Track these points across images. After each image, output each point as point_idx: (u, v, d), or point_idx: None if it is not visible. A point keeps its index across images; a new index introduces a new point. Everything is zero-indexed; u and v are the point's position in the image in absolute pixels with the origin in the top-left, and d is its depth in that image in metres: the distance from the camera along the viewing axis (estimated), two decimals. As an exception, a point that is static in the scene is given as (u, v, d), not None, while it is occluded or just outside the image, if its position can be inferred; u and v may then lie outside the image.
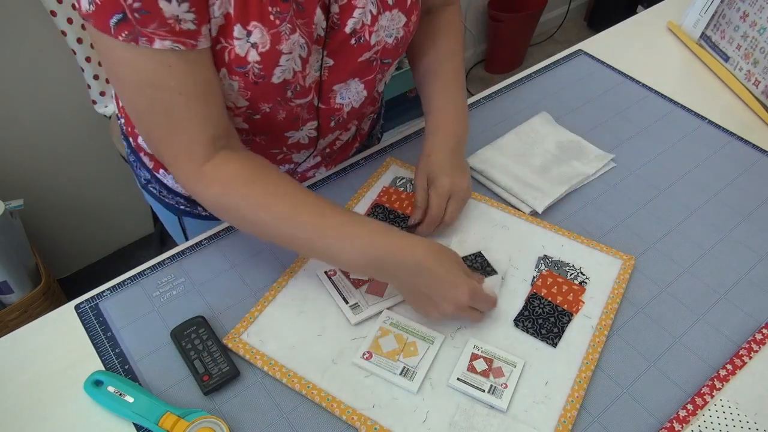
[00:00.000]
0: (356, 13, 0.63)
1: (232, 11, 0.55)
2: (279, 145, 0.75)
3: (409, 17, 0.68)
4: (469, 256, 0.73)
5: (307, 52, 0.62)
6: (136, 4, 0.49)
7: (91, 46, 1.20)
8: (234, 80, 0.60)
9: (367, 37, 0.65)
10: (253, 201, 0.60)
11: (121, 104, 0.80)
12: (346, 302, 0.68)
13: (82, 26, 1.17)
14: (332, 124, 0.74)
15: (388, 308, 0.68)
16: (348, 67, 0.67)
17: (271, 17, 0.57)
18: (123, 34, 0.50)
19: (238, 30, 0.56)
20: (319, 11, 0.60)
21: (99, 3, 0.50)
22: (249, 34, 0.57)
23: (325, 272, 0.71)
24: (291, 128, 0.71)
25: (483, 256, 0.73)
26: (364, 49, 0.66)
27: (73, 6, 1.13)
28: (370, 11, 0.64)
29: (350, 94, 0.71)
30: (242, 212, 0.61)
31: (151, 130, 0.59)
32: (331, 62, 0.66)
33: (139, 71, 0.53)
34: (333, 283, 0.70)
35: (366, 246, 0.60)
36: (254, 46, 0.57)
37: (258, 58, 0.58)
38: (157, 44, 0.51)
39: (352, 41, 0.65)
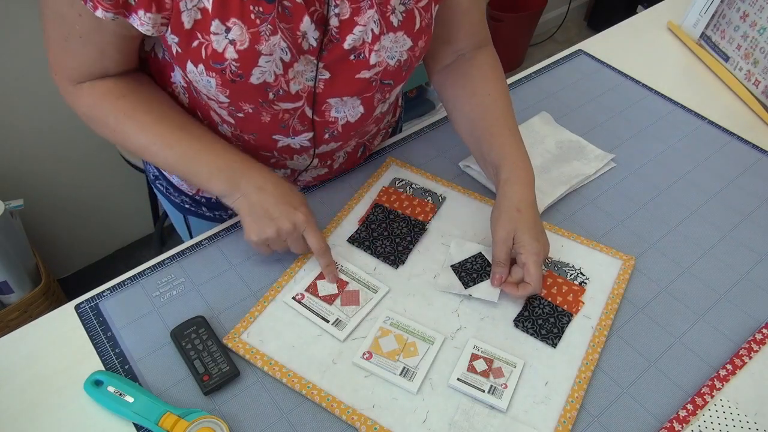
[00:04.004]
0: (357, 30, 0.62)
1: (209, 6, 0.55)
2: (269, 148, 0.74)
3: (416, 42, 0.67)
4: (469, 258, 0.73)
5: (291, 58, 0.61)
6: None
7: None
8: (211, 77, 0.60)
9: (367, 55, 0.64)
10: (120, 112, 0.66)
11: None
12: (327, 321, 0.67)
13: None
14: (326, 136, 0.74)
15: (369, 311, 0.68)
16: (345, 83, 0.66)
17: (252, 16, 0.57)
18: None
19: (216, 25, 0.56)
20: (307, 20, 0.59)
21: None
22: (228, 30, 0.57)
23: (293, 298, 0.69)
24: (279, 132, 0.71)
25: (483, 257, 0.73)
26: (362, 66, 0.65)
27: None
28: (372, 30, 0.63)
29: (346, 109, 0.70)
30: (110, 123, 0.66)
31: (50, 43, 0.63)
32: (327, 75, 0.65)
33: (62, 5, 0.58)
34: (305, 306, 0.68)
35: (221, 157, 0.67)
36: (232, 42, 0.57)
37: (236, 56, 0.58)
38: (99, 13, 0.55)
39: (351, 57, 0.64)
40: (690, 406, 0.61)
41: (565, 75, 1.04)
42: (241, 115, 0.67)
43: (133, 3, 0.55)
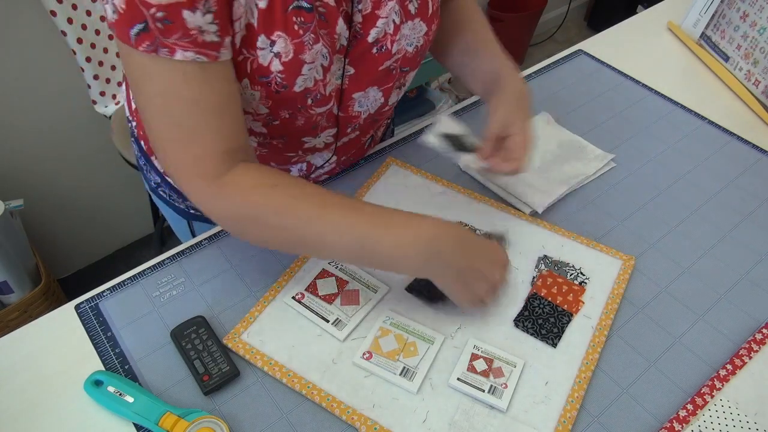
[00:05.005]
0: (379, 22, 0.63)
1: (255, 22, 0.55)
2: (295, 149, 0.75)
3: (429, 26, 0.69)
4: (454, 134, 0.74)
5: (329, 62, 0.62)
6: (160, 14, 0.48)
7: (92, 46, 1.20)
8: (256, 90, 0.60)
9: (389, 46, 0.66)
10: (277, 204, 0.57)
11: (134, 107, 0.80)
12: (327, 321, 0.67)
13: (83, 26, 1.17)
14: (348, 130, 0.75)
15: (369, 310, 0.68)
16: (368, 76, 0.67)
17: (295, 27, 0.57)
18: (144, 45, 0.50)
19: (261, 40, 0.56)
20: (341, 22, 0.60)
21: (122, 12, 0.49)
22: (272, 44, 0.57)
23: (293, 297, 0.69)
24: (309, 134, 0.72)
25: (461, 139, 0.73)
26: (385, 57, 0.66)
27: (74, 6, 1.13)
28: (393, 20, 0.64)
29: (368, 101, 0.71)
30: (267, 218, 0.58)
31: (162, 142, 0.57)
32: (351, 71, 0.66)
33: (154, 81, 0.53)
34: (305, 305, 0.68)
35: (401, 227, 0.58)
36: (277, 55, 0.57)
37: (281, 68, 0.58)
38: (179, 55, 0.50)
39: (374, 50, 0.65)
40: (690, 406, 0.61)
41: (565, 75, 1.04)
42: (276, 122, 0.67)
43: (217, 39, 0.52)
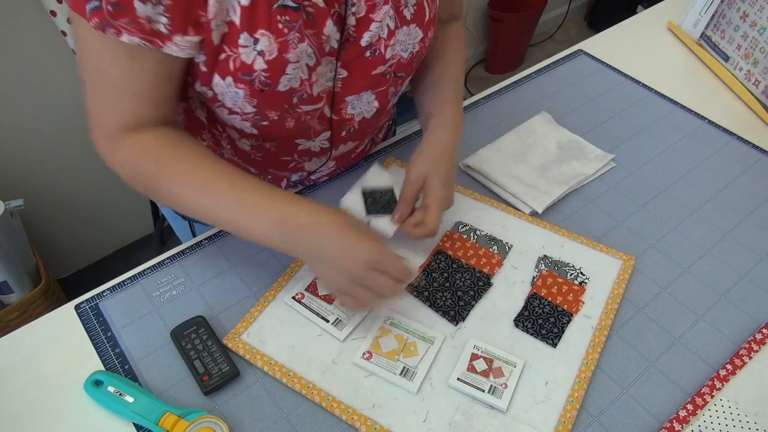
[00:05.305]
0: (373, 26, 0.63)
1: (237, 19, 0.55)
2: (289, 153, 0.75)
3: (426, 33, 0.69)
4: (381, 189, 0.72)
5: (315, 62, 0.62)
6: None
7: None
8: (240, 88, 0.60)
9: (383, 50, 0.65)
10: (157, 163, 0.61)
11: None
12: (327, 321, 0.67)
13: (82, 26, 1.17)
14: (343, 134, 0.74)
15: (369, 310, 0.68)
16: (362, 80, 0.67)
17: (280, 26, 0.57)
18: (94, 21, 0.52)
19: (244, 38, 0.56)
20: (330, 23, 0.60)
21: None
22: (256, 42, 0.57)
23: (293, 297, 0.69)
24: (301, 136, 0.71)
25: (393, 194, 0.72)
26: (378, 62, 0.66)
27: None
28: (388, 25, 0.64)
29: (362, 104, 0.71)
30: (151, 174, 0.61)
31: (87, 99, 0.61)
32: (344, 74, 0.66)
33: (95, 54, 0.56)
34: (305, 305, 0.68)
35: (270, 207, 0.60)
36: (261, 53, 0.57)
37: (264, 66, 0.58)
38: (125, 38, 0.53)
39: (367, 54, 0.65)
40: (690, 406, 0.61)
41: (565, 75, 1.04)
42: (265, 123, 0.66)
43: (165, 31, 0.53)
